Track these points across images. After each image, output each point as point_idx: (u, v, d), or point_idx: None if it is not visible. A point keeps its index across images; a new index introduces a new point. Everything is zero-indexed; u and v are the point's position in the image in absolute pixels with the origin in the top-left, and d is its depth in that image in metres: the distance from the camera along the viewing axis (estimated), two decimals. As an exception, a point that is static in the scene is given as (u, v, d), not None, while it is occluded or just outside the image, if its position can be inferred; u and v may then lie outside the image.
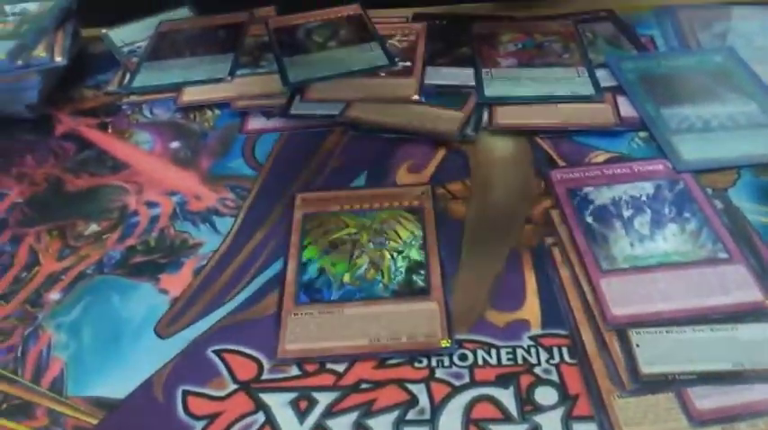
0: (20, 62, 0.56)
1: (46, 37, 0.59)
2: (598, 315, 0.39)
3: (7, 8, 0.62)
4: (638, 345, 0.37)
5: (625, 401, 0.35)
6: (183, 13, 0.69)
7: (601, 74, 0.55)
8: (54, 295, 0.43)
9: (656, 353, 0.37)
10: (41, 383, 0.39)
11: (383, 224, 0.45)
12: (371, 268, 0.42)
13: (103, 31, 0.66)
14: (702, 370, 0.36)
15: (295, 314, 0.40)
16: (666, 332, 0.38)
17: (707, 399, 0.35)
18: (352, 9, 0.65)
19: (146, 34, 0.65)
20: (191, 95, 0.57)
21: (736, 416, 0.34)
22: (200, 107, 0.56)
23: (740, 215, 0.43)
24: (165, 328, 0.41)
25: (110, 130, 0.56)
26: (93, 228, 0.47)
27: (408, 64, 0.57)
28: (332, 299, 0.41)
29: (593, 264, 0.41)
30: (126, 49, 0.64)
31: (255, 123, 0.55)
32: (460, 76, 0.56)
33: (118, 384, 0.38)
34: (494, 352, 0.38)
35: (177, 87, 0.58)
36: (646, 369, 0.36)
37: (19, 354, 0.40)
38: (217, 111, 0.56)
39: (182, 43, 0.63)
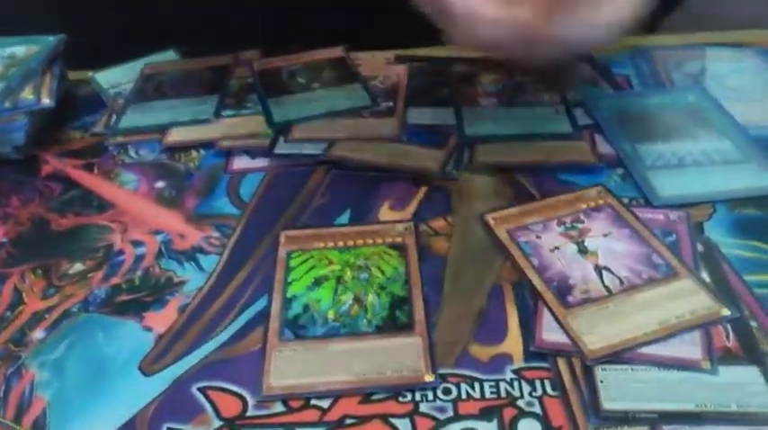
0: (7, 104, 0.57)
1: (33, 79, 0.60)
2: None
3: (-5, 52, 0.63)
4: (602, 381, 0.38)
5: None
6: (169, 56, 0.70)
7: (578, 112, 0.56)
8: (38, 334, 0.43)
9: (620, 390, 0.37)
10: (23, 423, 0.38)
11: (367, 260, 0.45)
12: (355, 304, 0.43)
13: (90, 73, 0.68)
14: (664, 409, 0.36)
15: (280, 351, 0.40)
16: (632, 370, 0.38)
17: None
18: (335, 52, 0.66)
19: (132, 77, 0.66)
20: (176, 136, 0.58)
21: None
22: (185, 148, 0.57)
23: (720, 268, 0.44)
24: (149, 366, 0.41)
25: (96, 171, 0.56)
26: (78, 267, 0.47)
27: (391, 104, 0.59)
28: (316, 335, 0.41)
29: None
30: (112, 91, 0.65)
31: (240, 163, 0.55)
32: (442, 115, 0.57)
33: (102, 423, 0.38)
34: (477, 385, 0.38)
35: (163, 128, 0.59)
36: (607, 405, 0.37)
37: (0, 394, 0.40)
38: (202, 152, 0.57)
39: (167, 85, 0.64)
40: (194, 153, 0.57)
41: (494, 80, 0.61)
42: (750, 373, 0.38)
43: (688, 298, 0.41)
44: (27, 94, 0.59)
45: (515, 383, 0.38)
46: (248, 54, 0.68)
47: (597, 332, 0.40)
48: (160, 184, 0.54)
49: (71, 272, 0.47)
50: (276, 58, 0.66)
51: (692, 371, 0.38)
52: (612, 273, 0.43)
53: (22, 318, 0.44)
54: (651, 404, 0.37)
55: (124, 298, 0.45)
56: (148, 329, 0.43)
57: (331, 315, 0.42)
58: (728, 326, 0.40)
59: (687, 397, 0.37)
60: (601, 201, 0.48)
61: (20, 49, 0.63)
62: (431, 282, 0.44)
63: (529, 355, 0.39)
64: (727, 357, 0.39)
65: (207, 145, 0.57)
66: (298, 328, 0.42)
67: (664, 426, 0.36)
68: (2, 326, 0.44)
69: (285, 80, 0.63)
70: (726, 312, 0.40)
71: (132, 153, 0.58)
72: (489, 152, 0.54)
